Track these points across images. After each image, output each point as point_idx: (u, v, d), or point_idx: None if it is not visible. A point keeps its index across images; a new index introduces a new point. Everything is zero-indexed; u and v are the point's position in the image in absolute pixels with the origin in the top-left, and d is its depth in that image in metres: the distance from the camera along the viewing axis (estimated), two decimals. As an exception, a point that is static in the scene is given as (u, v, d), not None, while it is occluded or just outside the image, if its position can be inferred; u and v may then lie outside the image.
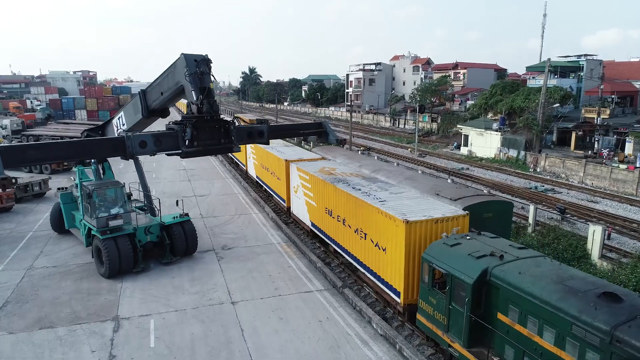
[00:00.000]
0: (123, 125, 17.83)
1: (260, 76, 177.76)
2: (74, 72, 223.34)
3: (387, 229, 13.96)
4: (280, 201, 25.92)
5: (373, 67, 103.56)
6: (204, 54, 13.83)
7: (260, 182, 31.01)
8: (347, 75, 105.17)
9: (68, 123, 76.44)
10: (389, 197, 15.65)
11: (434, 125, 69.68)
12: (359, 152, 51.86)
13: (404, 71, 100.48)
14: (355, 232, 16.31)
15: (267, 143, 17.16)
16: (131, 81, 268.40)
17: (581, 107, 54.70)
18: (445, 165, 43.22)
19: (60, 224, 22.24)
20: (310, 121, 22.39)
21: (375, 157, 43.73)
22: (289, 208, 24.47)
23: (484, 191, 18.48)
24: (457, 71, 77.56)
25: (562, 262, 18.26)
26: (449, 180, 36.31)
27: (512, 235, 21.72)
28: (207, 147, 14.06)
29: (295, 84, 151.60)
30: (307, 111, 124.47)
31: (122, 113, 18.07)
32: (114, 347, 12.92)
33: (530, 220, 22.31)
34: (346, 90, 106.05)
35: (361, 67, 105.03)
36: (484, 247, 11.36)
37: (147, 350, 12.77)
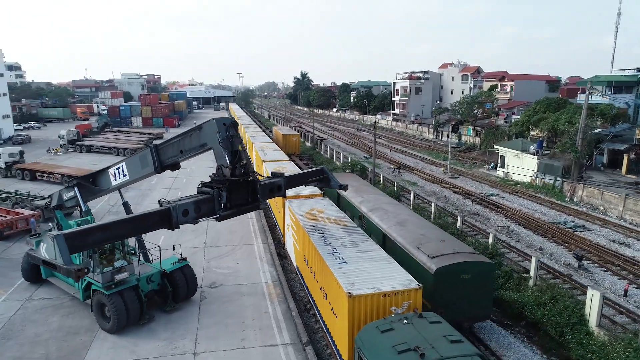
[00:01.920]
0: (124, 175, 17.58)
1: (312, 81, 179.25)
2: (140, 76, 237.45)
3: (337, 296, 13.60)
4: (280, 233, 26.02)
5: (421, 75, 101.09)
6: (232, 118, 14.38)
7: (269, 207, 31.26)
8: (394, 83, 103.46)
9: (122, 132, 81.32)
10: (352, 258, 15.19)
11: (477, 140, 66.87)
12: (391, 170, 50.93)
13: (453, 80, 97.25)
14: (320, 289, 16.02)
15: (284, 196, 17.84)
16: (192, 85, 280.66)
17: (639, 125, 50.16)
18: (474, 190, 41.33)
19: (34, 273, 20.67)
20: (313, 168, 21.97)
21: (397, 181, 42.69)
22: (284, 243, 24.49)
23: (470, 249, 17.25)
24: (503, 83, 73.74)
25: (556, 327, 16.98)
26: (470, 207, 34.74)
27: (513, 287, 20.44)
28: (240, 208, 14.55)
29: (346, 89, 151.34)
30: (355, 118, 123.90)
31: (123, 164, 17.67)
32: (66, 398, 13.55)
33: (532, 272, 20.77)
34: (392, 99, 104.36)
35: (408, 75, 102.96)
36: (413, 338, 10.72)
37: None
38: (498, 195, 39.63)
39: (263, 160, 35.16)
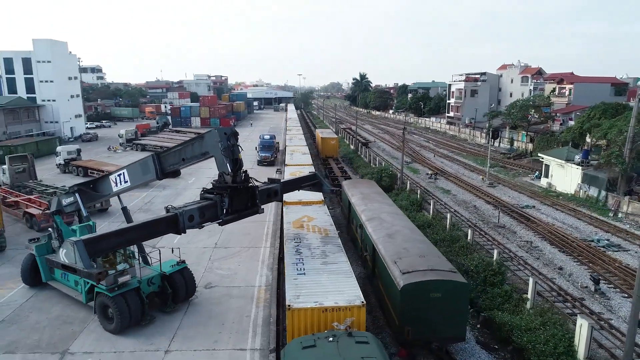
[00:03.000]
0: (126, 182, 18.47)
1: (371, 82, 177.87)
2: (209, 77, 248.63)
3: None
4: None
5: (478, 76, 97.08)
6: (233, 128, 15.42)
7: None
8: (449, 85, 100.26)
9: (179, 131, 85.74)
10: (314, 270, 15.24)
11: (530, 147, 63.15)
12: (428, 176, 49.61)
13: (512, 82, 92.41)
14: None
15: (281, 200, 18.97)
16: (256, 86, 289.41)
17: None
18: (510, 200, 39.22)
19: (34, 277, 21.24)
20: (307, 174, 22.48)
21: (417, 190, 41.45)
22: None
23: (448, 266, 16.48)
24: (562, 86, 68.74)
25: (540, 356, 15.88)
26: (497, 218, 33.10)
27: (510, 308, 19.41)
28: (240, 213, 15.63)
29: (404, 90, 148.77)
30: (409, 120, 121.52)
31: (124, 170, 18.48)
32: (41, 383, 14.83)
33: (529, 294, 19.48)
34: (447, 101, 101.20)
35: (465, 76, 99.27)
36: (329, 357, 10.63)
37: (62, 392, 14.41)
38: (534, 207, 37.31)
39: (285, 164, 35.79)
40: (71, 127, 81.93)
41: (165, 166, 17.01)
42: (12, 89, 77.57)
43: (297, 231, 19.33)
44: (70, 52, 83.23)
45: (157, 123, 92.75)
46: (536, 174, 47.64)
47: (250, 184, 16.10)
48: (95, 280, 14.86)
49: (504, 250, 27.37)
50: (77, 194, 19.28)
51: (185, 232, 14.99)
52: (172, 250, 22.05)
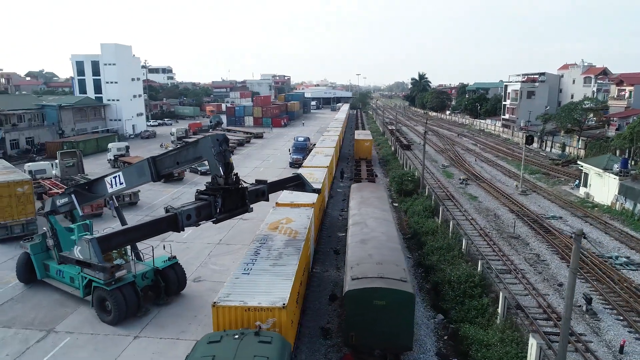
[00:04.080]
0: (121, 184, 19.40)
1: (430, 82, 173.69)
2: (274, 77, 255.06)
3: (220, 305, 14.53)
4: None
5: (536, 76, 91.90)
6: (223, 133, 16.83)
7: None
8: (505, 85, 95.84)
9: (229, 130, 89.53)
10: (260, 270, 15.95)
11: (583, 153, 59.09)
12: (460, 181, 48.27)
13: (574, 82, 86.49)
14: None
15: (267, 200, 20.14)
16: (317, 85, 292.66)
17: None
18: (537, 210, 37.30)
19: (29, 275, 22.33)
20: (288, 176, 23.11)
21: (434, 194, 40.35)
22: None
23: (401, 275, 16.41)
24: (621, 87, 63.18)
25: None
26: (513, 228, 31.77)
27: (482, 322, 18.98)
28: (232, 212, 17.04)
29: (464, 90, 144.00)
30: (464, 122, 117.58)
31: (119, 173, 19.40)
32: (21, 356, 16.87)
33: (500, 309, 18.81)
34: (503, 103, 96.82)
35: (525, 77, 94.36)
36: (224, 352, 11.33)
37: (36, 365, 16.33)
38: (561, 218, 35.22)
39: (302, 166, 36.68)
40: (133, 125, 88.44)
41: (161, 169, 18.29)
42: (82, 89, 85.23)
43: (268, 233, 20.11)
44: (134, 55, 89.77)
45: (211, 122, 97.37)
46: (576, 182, 44.71)
47: (241, 186, 17.24)
48: (109, 273, 16.51)
49: (505, 263, 26.35)
50: (73, 195, 20.83)
51: (184, 230, 16.17)
52: (164, 247, 23.71)
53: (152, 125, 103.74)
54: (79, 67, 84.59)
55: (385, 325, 15.82)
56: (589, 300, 20.80)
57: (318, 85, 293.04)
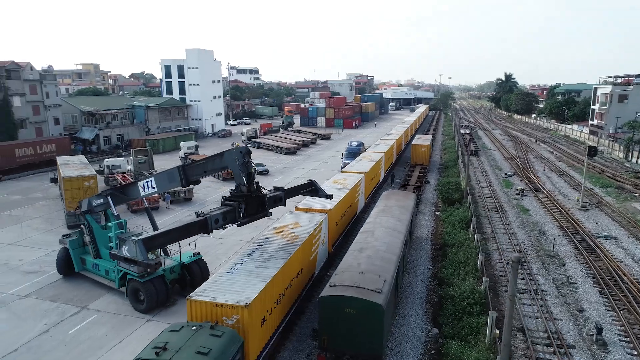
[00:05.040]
0: (153, 188, 21.28)
1: (517, 83, 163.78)
2: (358, 76, 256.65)
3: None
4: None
5: (632, 78, 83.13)
6: (245, 145, 19.07)
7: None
8: (595, 88, 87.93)
9: (299, 131, 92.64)
10: (245, 270, 17.38)
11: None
12: (517, 191, 46.09)
13: (677, 86, 76.88)
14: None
15: (285, 205, 21.32)
16: (400, 85, 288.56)
17: None
18: (590, 228, 34.66)
19: (68, 268, 24.86)
20: (302, 183, 24.13)
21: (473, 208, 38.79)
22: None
23: (376, 286, 16.73)
24: None
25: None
26: (552, 247, 30.11)
27: (471, 339, 18.93)
28: (253, 217, 19.10)
29: (554, 92, 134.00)
30: (549, 127, 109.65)
31: (152, 179, 21.21)
32: (56, 326, 20.09)
33: (488, 331, 18.42)
34: (591, 107, 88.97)
35: (621, 79, 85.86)
36: (177, 340, 12.94)
37: (64, 336, 19.40)
38: (615, 238, 32.46)
39: (341, 170, 37.72)
40: (212, 124, 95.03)
41: (190, 176, 20.30)
42: (169, 90, 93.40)
43: (270, 236, 21.50)
44: (215, 59, 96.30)
45: (283, 122, 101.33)
46: (649, 199, 40.53)
47: (261, 193, 19.07)
48: (152, 269, 19.10)
49: (527, 282, 25.25)
50: (109, 197, 23.31)
51: (212, 232, 18.02)
52: (189, 244, 25.98)
53: (232, 124, 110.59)
54: (167, 70, 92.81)
55: (355, 332, 16.54)
56: (599, 330, 19.51)
57: (402, 85, 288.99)
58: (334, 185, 32.10)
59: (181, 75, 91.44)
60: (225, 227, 18.83)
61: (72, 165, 37.60)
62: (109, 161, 47.44)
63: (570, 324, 21.15)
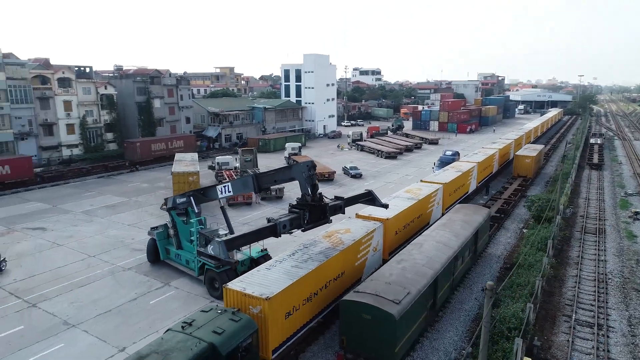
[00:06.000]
0: (229, 192, 24.24)
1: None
2: (485, 77, 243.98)
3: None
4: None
5: None
6: (312, 160, 22.17)
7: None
8: None
9: (407, 135, 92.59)
10: (279, 268, 19.69)
11: None
12: (631, 214, 41.27)
13: None
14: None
15: (344, 213, 23.38)
16: (535, 87, 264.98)
17: None
18: None
19: (155, 256, 28.59)
20: (363, 191, 25.65)
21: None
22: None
23: (397, 297, 17.27)
24: None
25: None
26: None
27: None
28: (316, 223, 21.70)
29: None
30: None
31: (229, 184, 24.13)
32: (143, 296, 24.65)
33: (514, 358, 17.94)
34: None
35: None
36: (204, 320, 15.63)
37: (146, 305, 23.81)
38: None
39: (421, 180, 38.12)
40: (324, 126, 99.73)
41: (262, 184, 23.32)
42: (287, 93, 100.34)
43: (318, 239, 23.34)
44: (330, 64, 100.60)
45: (392, 125, 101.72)
46: None
47: (323, 202, 21.28)
48: (233, 267, 22.64)
49: (595, 315, 23.33)
50: (191, 197, 26.55)
51: (280, 236, 20.34)
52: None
53: (345, 126, 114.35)
54: (286, 74, 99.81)
55: (369, 337, 17.78)
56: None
57: (536, 86, 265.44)
58: (405, 194, 32.76)
59: (298, 78, 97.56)
60: (292, 232, 20.86)
61: (183, 162, 43.92)
62: (219, 158, 53.74)
63: (626, 366, 19.39)
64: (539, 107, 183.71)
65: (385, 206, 25.45)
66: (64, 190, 48.82)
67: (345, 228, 25.27)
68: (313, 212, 20.68)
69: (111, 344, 20.28)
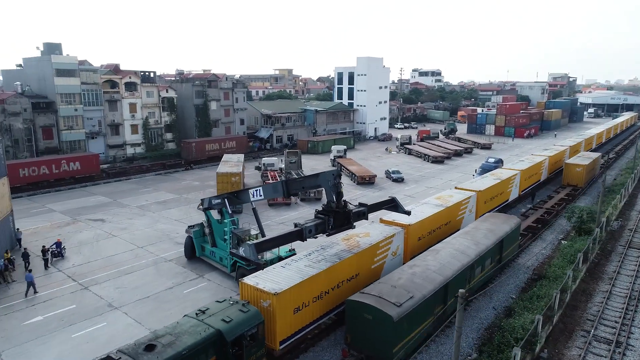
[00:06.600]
0: (260, 196, 26.15)
1: None
2: (554, 78, 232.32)
3: (256, 284, 20.63)
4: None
5: None
6: (337, 169, 23.95)
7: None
8: None
9: (459, 139, 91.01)
10: (293, 266, 21.25)
11: None
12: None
13: None
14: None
15: (367, 219, 24.68)
16: (609, 88, 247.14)
17: None
18: None
19: (192, 253, 30.43)
20: (386, 198, 26.74)
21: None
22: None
23: (398, 300, 17.98)
24: None
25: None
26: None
27: None
28: (340, 228, 23.36)
29: None
30: None
31: (260, 188, 26.17)
32: (178, 286, 27.22)
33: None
34: None
35: None
36: (215, 310, 17.52)
37: (180, 294, 26.35)
38: None
39: (455, 187, 38.24)
40: (375, 128, 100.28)
41: (291, 189, 25.23)
42: (340, 95, 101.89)
43: (336, 241, 24.54)
44: (384, 66, 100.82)
45: (445, 129, 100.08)
46: None
47: (347, 209, 22.62)
48: (261, 268, 23.69)
49: (616, 332, 22.79)
50: (225, 199, 28.55)
51: (306, 240, 21.81)
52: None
53: (399, 128, 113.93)
54: (339, 77, 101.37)
55: (370, 336, 18.92)
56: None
57: (612, 88, 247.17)
58: (434, 201, 33.19)
59: (351, 81, 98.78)
60: (316, 237, 22.27)
61: (229, 163, 46.75)
62: (265, 160, 56.31)
63: (637, 386, 19.02)
64: (612, 110, 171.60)
65: (408, 213, 26.23)
66: (125, 186, 53.56)
67: (365, 232, 26.36)
68: (337, 218, 22.00)
69: (145, 325, 22.85)
